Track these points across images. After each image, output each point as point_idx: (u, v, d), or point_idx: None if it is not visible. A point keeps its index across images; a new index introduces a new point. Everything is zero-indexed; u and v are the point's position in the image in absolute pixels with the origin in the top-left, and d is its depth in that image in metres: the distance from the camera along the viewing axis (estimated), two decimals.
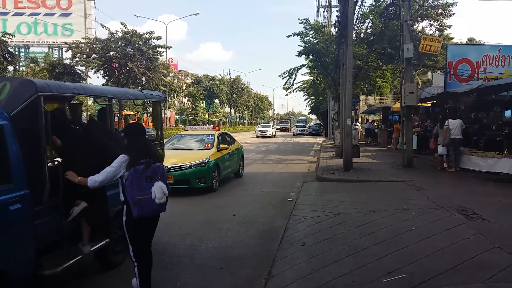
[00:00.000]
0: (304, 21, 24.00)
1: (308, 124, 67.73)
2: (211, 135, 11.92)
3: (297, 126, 57.58)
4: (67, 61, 34.24)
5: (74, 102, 6.51)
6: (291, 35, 24.02)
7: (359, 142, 20.43)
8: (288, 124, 76.26)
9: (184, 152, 11.16)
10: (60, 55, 49.99)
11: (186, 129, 15.09)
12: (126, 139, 4.30)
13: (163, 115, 43.32)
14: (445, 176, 11.50)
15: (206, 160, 10.45)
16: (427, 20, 22.47)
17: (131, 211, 3.89)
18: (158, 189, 3.88)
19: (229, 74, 74.01)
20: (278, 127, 73.33)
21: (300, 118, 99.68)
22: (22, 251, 3.72)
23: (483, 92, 12.80)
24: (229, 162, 12.12)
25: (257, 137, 43.86)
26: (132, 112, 41.79)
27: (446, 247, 5.24)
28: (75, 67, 33.21)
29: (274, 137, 45.36)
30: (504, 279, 4.26)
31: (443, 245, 5.32)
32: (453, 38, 27.55)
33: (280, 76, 30.76)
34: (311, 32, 24.06)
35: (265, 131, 44.91)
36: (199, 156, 10.65)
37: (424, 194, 8.87)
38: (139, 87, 33.85)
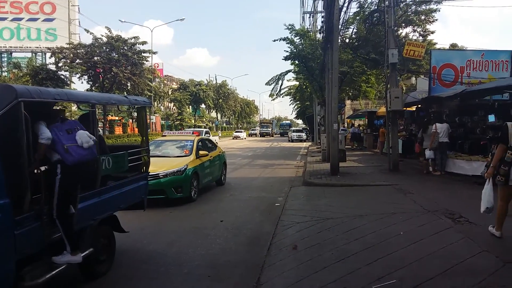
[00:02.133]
0: (289, 27, 24.11)
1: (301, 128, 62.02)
2: (190, 141, 11.32)
3: (294, 131, 51.80)
4: (51, 67, 33.68)
5: (57, 108, 6.33)
6: (277, 40, 24.10)
7: (346, 146, 20.52)
8: (270, 129, 73.20)
9: (160, 160, 10.29)
10: (44, 61, 49.23)
11: (163, 134, 13.64)
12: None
13: (149, 120, 43.20)
14: (431, 180, 11.58)
15: (184, 168, 9.81)
16: (410, 26, 22.81)
17: (65, 164, 4.22)
18: (82, 135, 4.38)
19: (215, 79, 73.94)
20: (256, 131, 71.49)
21: (283, 122, 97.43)
22: (1, 263, 3.57)
23: (467, 96, 12.97)
24: (210, 169, 11.48)
25: None
26: (117, 118, 41.39)
27: (435, 251, 5.24)
28: (59, 72, 32.70)
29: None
30: (493, 283, 4.26)
31: (431, 249, 5.31)
32: (436, 43, 28.03)
33: (266, 83, 30.76)
34: (297, 37, 24.17)
35: None
36: (176, 163, 10.01)
37: (411, 198, 8.90)
38: (125, 92, 33.42)
